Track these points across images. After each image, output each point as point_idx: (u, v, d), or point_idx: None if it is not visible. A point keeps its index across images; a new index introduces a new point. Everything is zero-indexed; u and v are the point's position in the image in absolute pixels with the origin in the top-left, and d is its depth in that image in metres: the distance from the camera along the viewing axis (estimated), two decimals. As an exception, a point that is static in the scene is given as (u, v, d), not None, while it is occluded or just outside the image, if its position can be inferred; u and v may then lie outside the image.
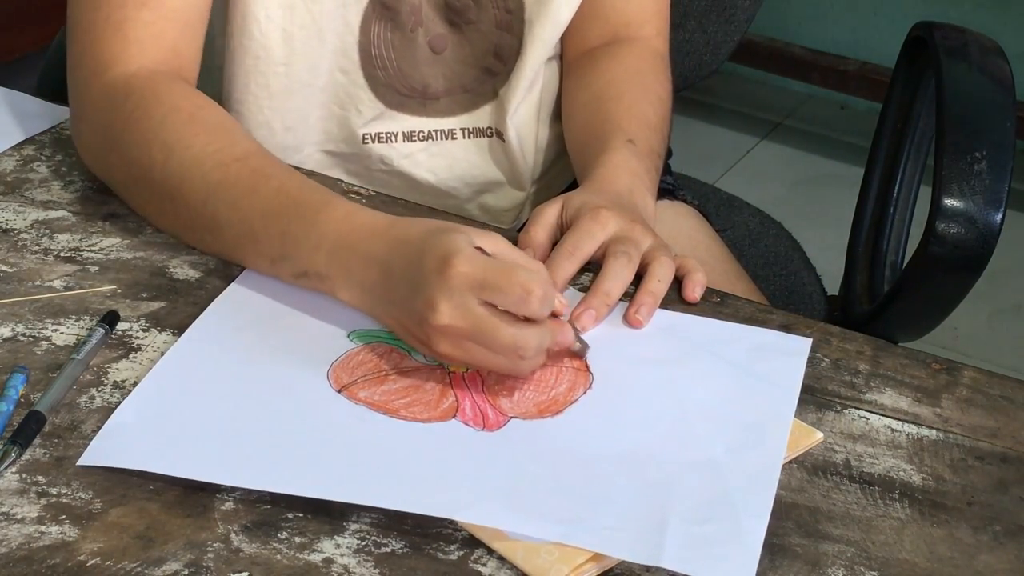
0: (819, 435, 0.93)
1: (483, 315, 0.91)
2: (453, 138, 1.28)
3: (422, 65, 1.25)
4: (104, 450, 0.88)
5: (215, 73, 1.24)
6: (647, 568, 0.82)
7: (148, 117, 1.08)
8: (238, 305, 1.01)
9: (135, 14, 1.12)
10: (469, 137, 1.29)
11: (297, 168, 1.20)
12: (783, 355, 0.99)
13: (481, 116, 1.28)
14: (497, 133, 1.29)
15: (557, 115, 1.32)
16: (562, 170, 1.35)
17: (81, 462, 0.87)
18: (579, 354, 0.97)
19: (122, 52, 1.11)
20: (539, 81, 1.29)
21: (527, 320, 0.92)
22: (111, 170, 1.12)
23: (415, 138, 1.27)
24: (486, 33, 1.25)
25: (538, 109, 1.30)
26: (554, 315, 0.94)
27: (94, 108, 1.12)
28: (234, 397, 0.93)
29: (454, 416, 0.92)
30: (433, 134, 1.27)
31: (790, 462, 0.91)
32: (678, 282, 1.06)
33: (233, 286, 1.03)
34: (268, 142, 1.23)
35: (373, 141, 1.26)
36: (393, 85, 1.25)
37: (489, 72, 1.27)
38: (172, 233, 1.09)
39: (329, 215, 0.99)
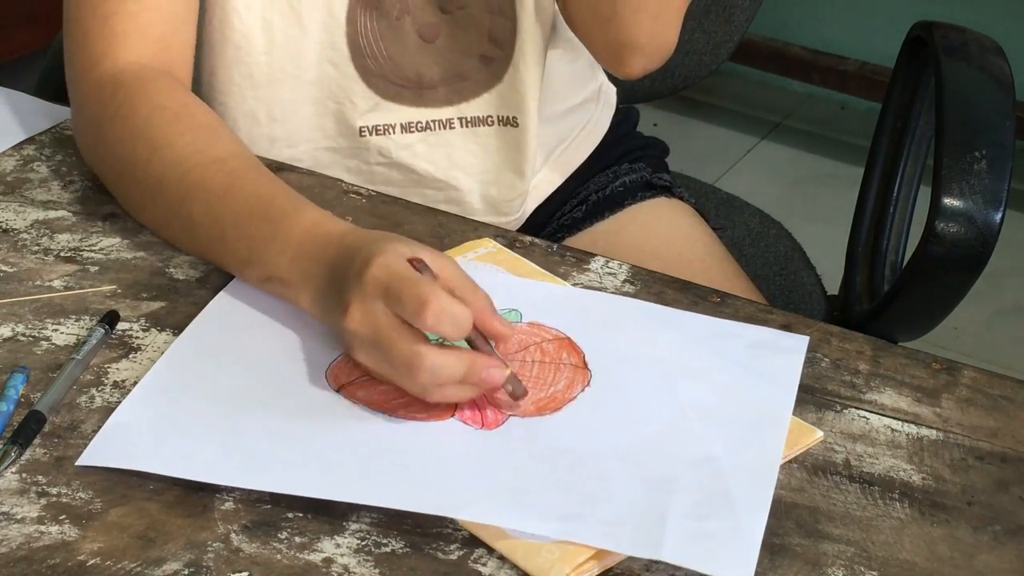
0: (819, 434, 0.93)
1: (384, 324, 0.89)
2: (451, 128, 1.27)
3: (413, 54, 1.23)
4: (103, 450, 0.88)
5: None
6: (647, 568, 0.82)
7: (134, 114, 1.09)
8: (236, 304, 1.01)
9: (120, 7, 1.13)
10: (467, 126, 1.28)
11: (295, 166, 1.21)
12: (780, 352, 0.99)
13: (479, 105, 1.27)
14: (499, 120, 1.27)
15: (556, 106, 1.32)
16: (564, 160, 1.35)
17: (80, 462, 0.87)
18: (514, 396, 0.92)
19: (110, 47, 1.13)
20: (542, 66, 1.28)
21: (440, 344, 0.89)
22: (100, 163, 1.14)
23: (413, 129, 1.26)
24: (478, 18, 1.23)
25: (539, 99, 1.29)
26: (478, 349, 0.91)
27: (86, 102, 1.14)
28: (233, 396, 0.93)
29: (453, 415, 0.92)
30: (431, 124, 1.27)
31: (790, 462, 0.91)
32: (677, 283, 1.06)
33: (231, 285, 1.03)
34: (254, 132, 1.23)
35: (371, 134, 1.26)
36: (386, 75, 1.24)
37: (486, 59, 1.25)
38: (152, 229, 1.09)
39: (296, 222, 1.00)
